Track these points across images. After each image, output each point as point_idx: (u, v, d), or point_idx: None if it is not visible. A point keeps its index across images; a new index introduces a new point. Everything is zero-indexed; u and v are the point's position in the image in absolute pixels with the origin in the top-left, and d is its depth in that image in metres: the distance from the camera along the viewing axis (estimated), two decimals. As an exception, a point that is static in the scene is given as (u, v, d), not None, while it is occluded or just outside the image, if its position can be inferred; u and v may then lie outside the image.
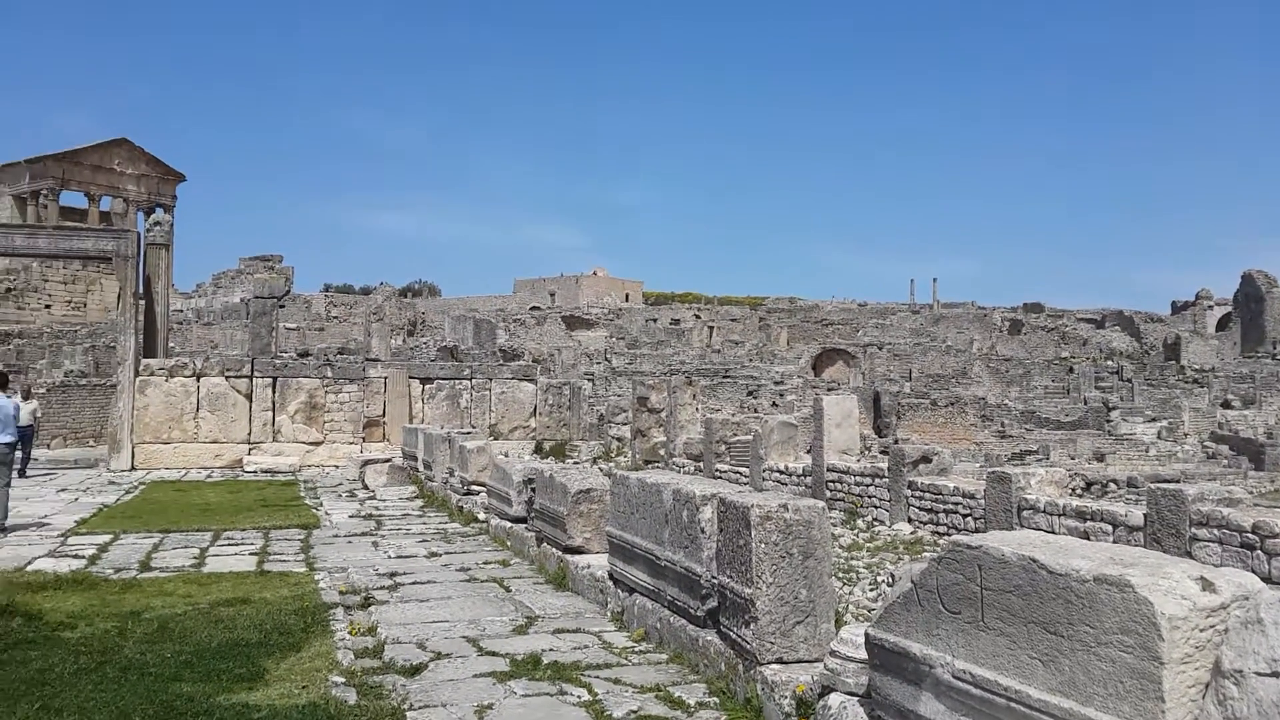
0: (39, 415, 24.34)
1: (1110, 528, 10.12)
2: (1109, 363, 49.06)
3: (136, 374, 23.01)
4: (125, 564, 10.50)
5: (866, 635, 4.57)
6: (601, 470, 12.46)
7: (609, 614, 8.06)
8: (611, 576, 8.16)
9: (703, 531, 6.46)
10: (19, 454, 17.65)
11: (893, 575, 4.93)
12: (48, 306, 52.29)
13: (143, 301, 23.92)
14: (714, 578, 6.33)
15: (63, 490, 18.28)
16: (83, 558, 10.89)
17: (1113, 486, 14.70)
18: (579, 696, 5.96)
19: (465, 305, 71.92)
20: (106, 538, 12.35)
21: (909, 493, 13.21)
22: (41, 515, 14.56)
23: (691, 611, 6.62)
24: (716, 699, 5.89)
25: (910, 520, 13.10)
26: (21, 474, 19.18)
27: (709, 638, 6.37)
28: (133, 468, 22.43)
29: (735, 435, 16.75)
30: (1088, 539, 8.31)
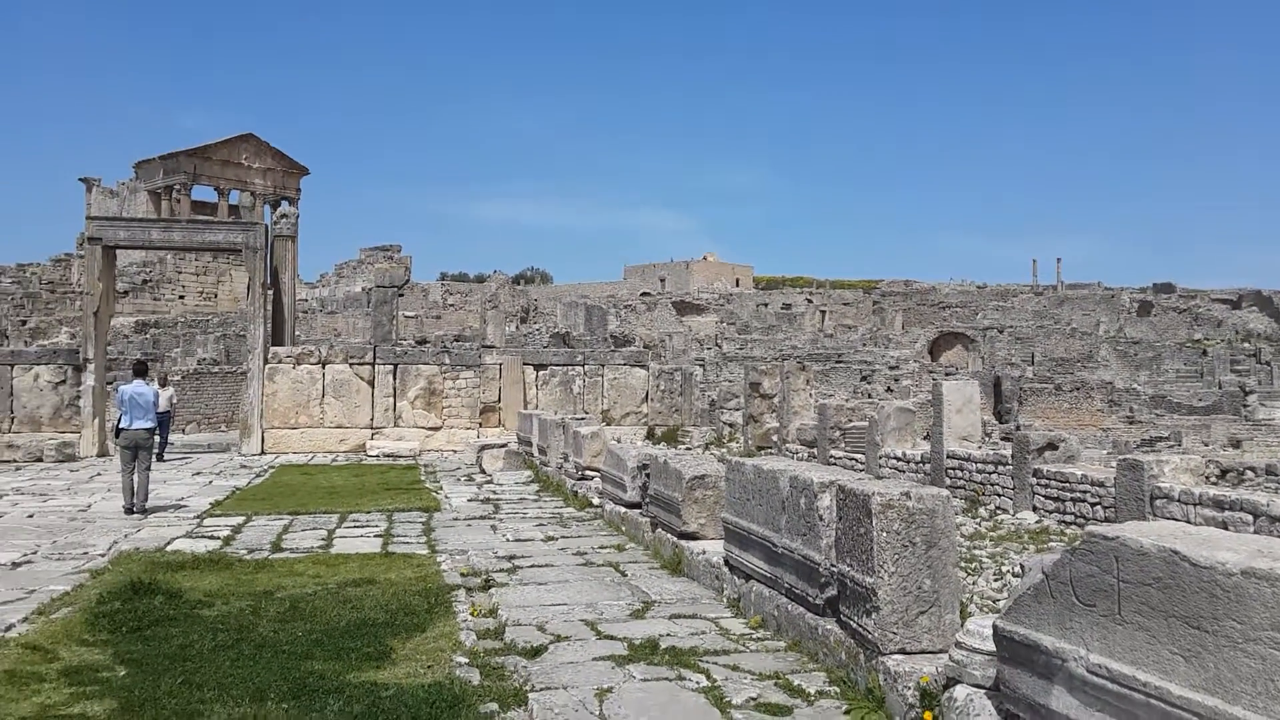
0: (175, 401, 25.53)
1: (1250, 517, 9.63)
2: (1245, 345, 46.72)
3: (265, 362, 23.92)
4: (258, 545, 10.93)
5: (995, 627, 4.45)
6: (714, 456, 12.42)
7: (725, 600, 8.04)
8: (727, 563, 8.14)
9: (821, 519, 6.38)
10: (157, 439, 18.55)
11: (1021, 566, 4.78)
12: (181, 297, 54.76)
13: (270, 292, 24.82)
14: (833, 566, 6.25)
15: (198, 474, 19.13)
16: (218, 539, 11.38)
17: (1250, 474, 13.99)
18: (697, 682, 5.96)
19: (576, 292, 72.59)
20: (239, 519, 12.88)
21: (1034, 480, 12.81)
22: (179, 497, 15.27)
23: (810, 599, 6.55)
24: (837, 688, 5.82)
25: (1035, 509, 12.71)
26: (159, 458, 20.12)
27: (828, 626, 6.29)
28: (262, 452, 23.34)
29: (850, 421, 16.51)
30: (1226, 529, 7.92)
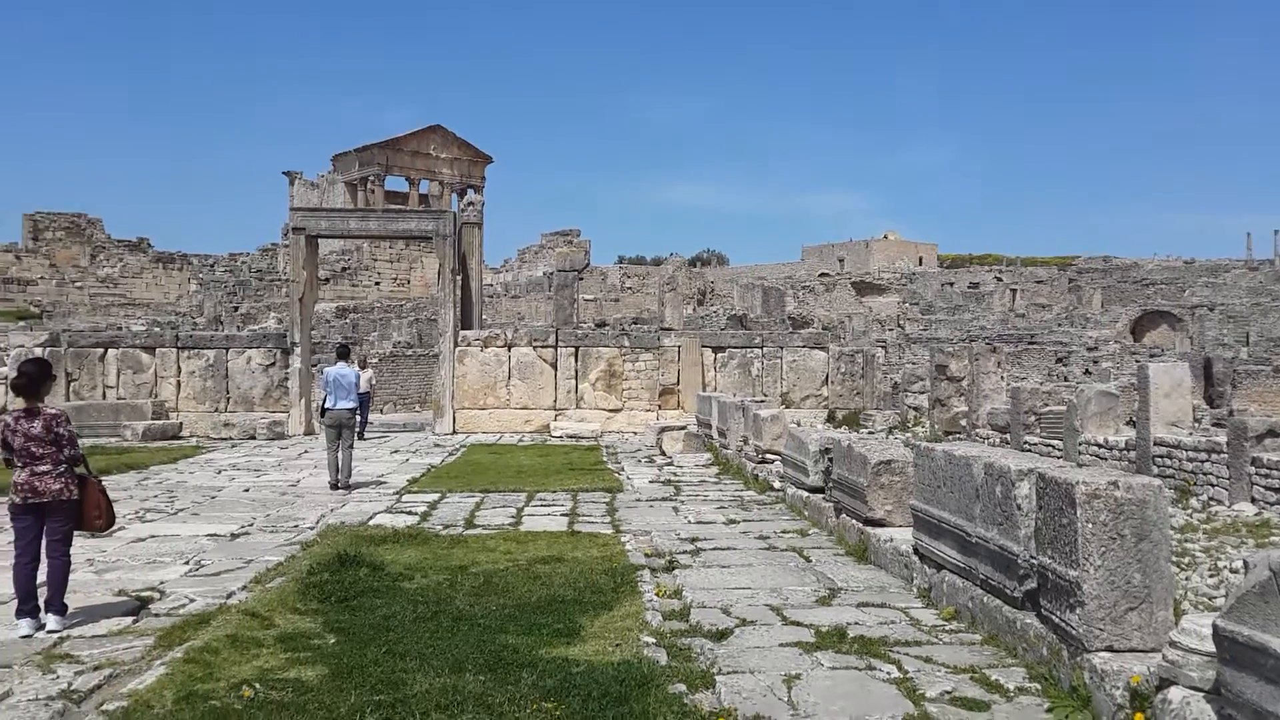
0: (374, 383, 26.86)
1: None
2: None
3: (456, 345, 24.85)
4: (452, 521, 11.37)
5: (1215, 627, 4.15)
6: (900, 441, 12.09)
7: (914, 590, 7.82)
8: (916, 551, 7.91)
9: (1019, 508, 6.11)
10: (358, 419, 19.56)
11: (1244, 562, 4.43)
12: (377, 283, 57.58)
13: (459, 277, 25.74)
14: (1032, 558, 5.97)
15: (395, 452, 20.08)
16: (415, 514, 11.91)
17: None
18: (888, 673, 5.82)
19: (753, 273, 72.17)
20: (435, 496, 13.44)
21: (1252, 470, 11.89)
22: (379, 474, 16.07)
23: (1007, 592, 6.29)
24: (1038, 685, 5.57)
25: (1254, 500, 11.80)
26: (360, 437, 21.20)
27: (1027, 620, 6.03)
28: (454, 431, 24.29)
29: (1045, 406, 15.75)
30: None
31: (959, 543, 6.98)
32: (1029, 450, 15.75)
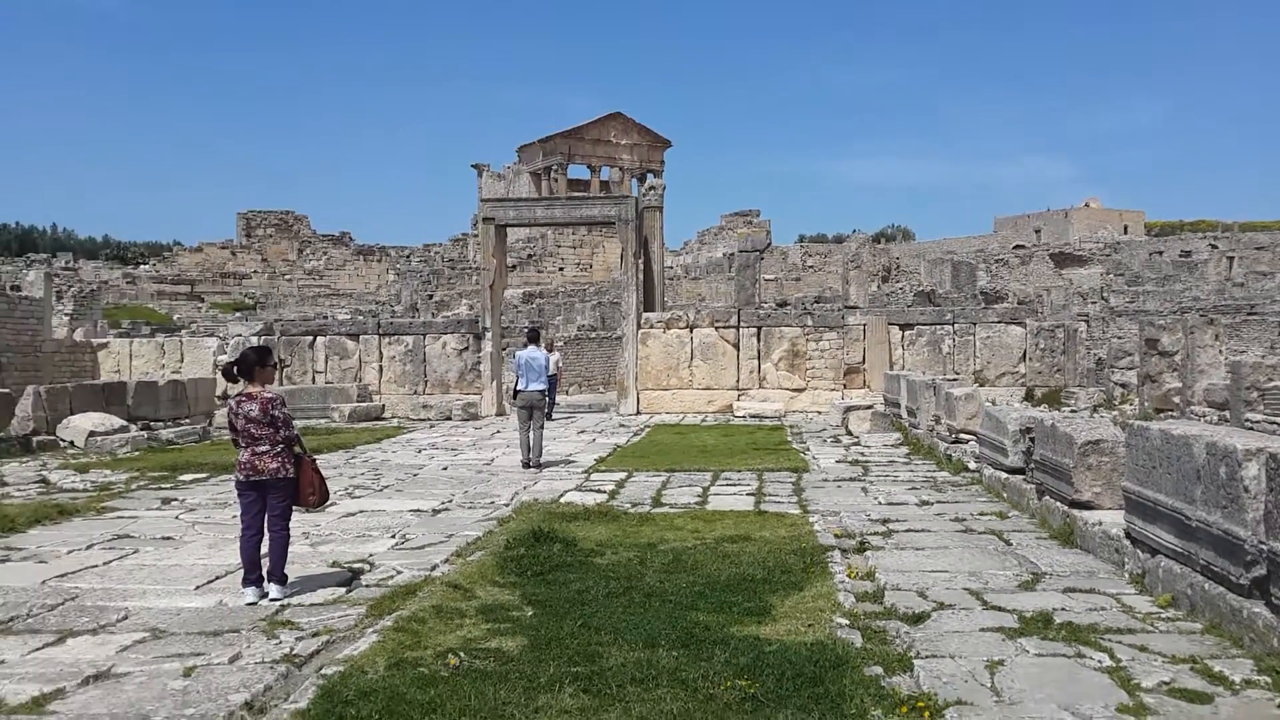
0: (560, 366, 27.51)
1: None
2: None
3: (639, 327, 25.15)
4: (639, 499, 11.52)
5: None
6: (1107, 419, 11.44)
7: (1126, 575, 7.39)
8: (1128, 535, 7.47)
9: (1246, 490, 5.67)
10: (548, 400, 20.05)
11: None
12: (561, 269, 58.95)
13: (641, 261, 26.00)
14: (1261, 543, 5.53)
15: (581, 432, 20.52)
16: (603, 492, 12.13)
17: None
18: (1099, 661, 5.52)
19: (941, 248, 69.84)
20: (621, 475, 13.65)
21: None
22: (567, 454, 16.46)
23: (1231, 579, 5.86)
24: (1267, 678, 5.16)
25: None
26: (548, 418, 21.79)
27: (1255, 609, 5.60)
28: (638, 412, 24.63)
29: (1270, 381, 14.55)
30: None
31: (1176, 526, 6.54)
32: (1253, 429, 14.59)
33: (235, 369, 7.47)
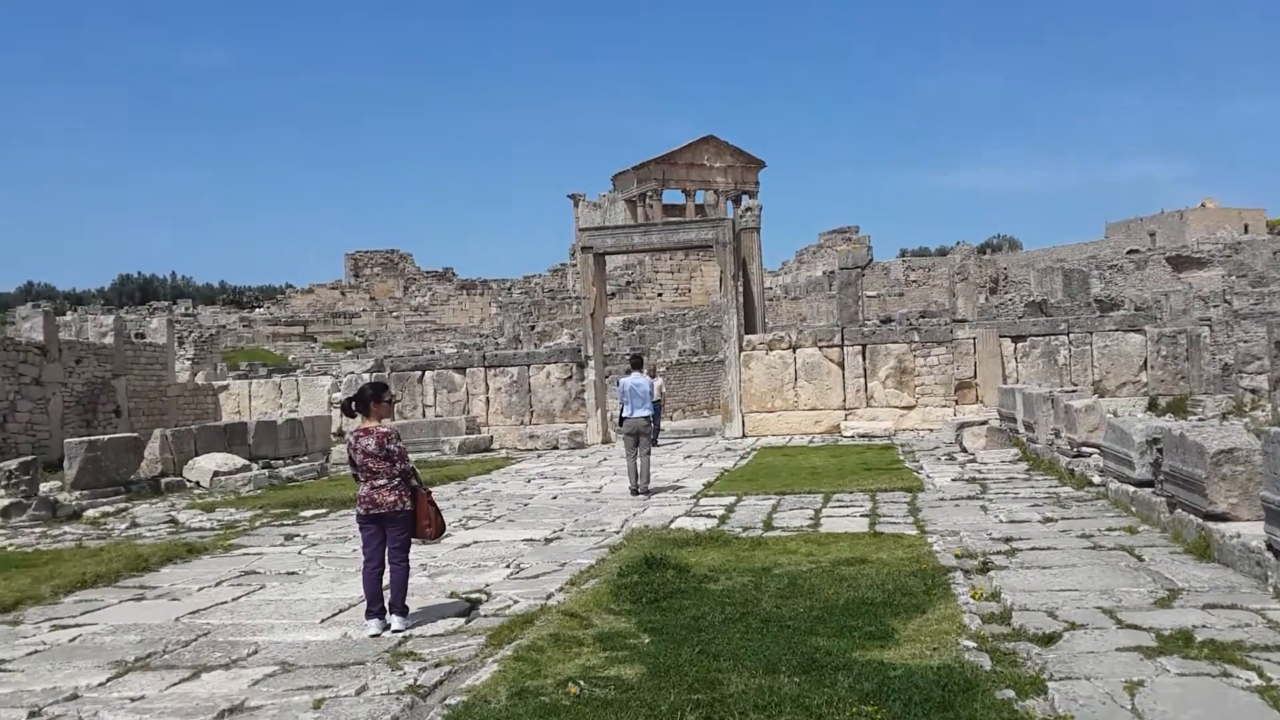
0: (664, 391, 27.54)
1: None
2: None
3: (740, 350, 25.03)
4: (750, 523, 11.40)
5: None
6: (1239, 427, 10.90)
7: (1270, 589, 7.00)
8: (1269, 547, 7.08)
9: (1404, 496, 5.31)
10: (653, 425, 20.05)
11: None
12: (659, 294, 59.17)
13: (739, 283, 25.92)
14: None
15: (688, 457, 20.46)
16: (714, 517, 12.04)
17: None
18: (1248, 680, 5.23)
19: (1050, 256, 67.94)
20: (731, 499, 13.55)
21: None
22: (674, 479, 16.41)
23: (1393, 592, 5.48)
24: None
25: None
26: (654, 443, 21.79)
27: None
28: (743, 435, 24.45)
29: None
30: None
31: (1326, 537, 6.18)
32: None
33: (353, 405, 7.65)
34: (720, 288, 25.72)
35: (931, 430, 22.58)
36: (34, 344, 23.30)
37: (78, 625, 7.90)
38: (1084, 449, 13.59)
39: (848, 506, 12.33)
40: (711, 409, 33.26)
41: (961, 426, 18.89)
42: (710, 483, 15.63)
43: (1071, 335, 24.09)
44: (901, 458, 17.77)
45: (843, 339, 24.87)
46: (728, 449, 21.74)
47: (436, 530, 7.74)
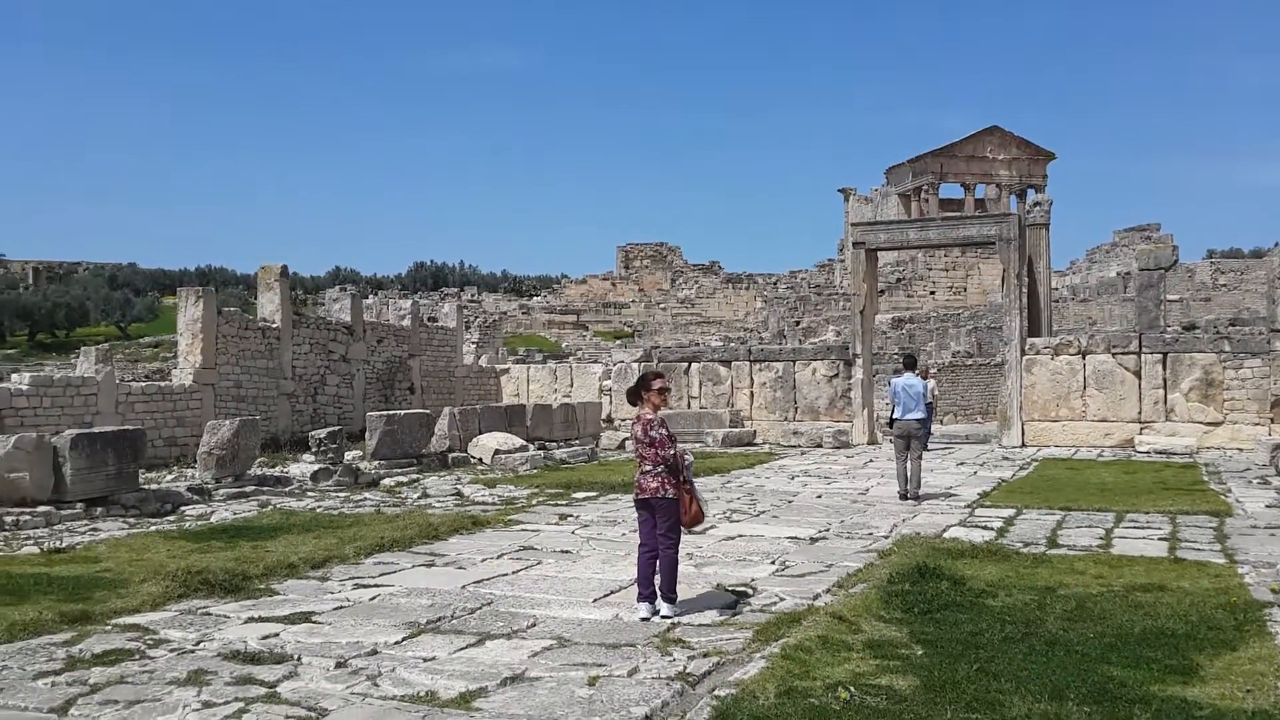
0: (936, 394, 26.56)
1: None
2: None
3: (1023, 353, 23.70)
4: (1032, 538, 10.75)
5: None
6: None
7: None
8: None
9: None
10: (924, 429, 19.36)
11: None
12: (932, 293, 57.11)
13: (1024, 282, 24.54)
14: None
15: (961, 464, 19.62)
16: (991, 529, 11.45)
17: None
18: None
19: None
20: (1009, 511, 12.84)
21: None
22: (947, 486, 15.78)
23: None
24: None
25: None
26: (925, 448, 21.04)
27: None
28: (1023, 444, 23.16)
29: None
30: None
31: None
32: None
33: (629, 394, 7.90)
34: (1001, 287, 24.49)
35: (1241, 450, 20.49)
36: (342, 324, 25.59)
37: (376, 586, 8.57)
38: None
39: (1143, 528, 11.37)
40: (986, 415, 31.77)
41: (1278, 447, 17.01)
42: (986, 492, 14.91)
43: None
44: (1206, 478, 16.22)
45: (1140, 346, 23.01)
46: (1005, 458, 20.68)
47: (692, 519, 7.80)
